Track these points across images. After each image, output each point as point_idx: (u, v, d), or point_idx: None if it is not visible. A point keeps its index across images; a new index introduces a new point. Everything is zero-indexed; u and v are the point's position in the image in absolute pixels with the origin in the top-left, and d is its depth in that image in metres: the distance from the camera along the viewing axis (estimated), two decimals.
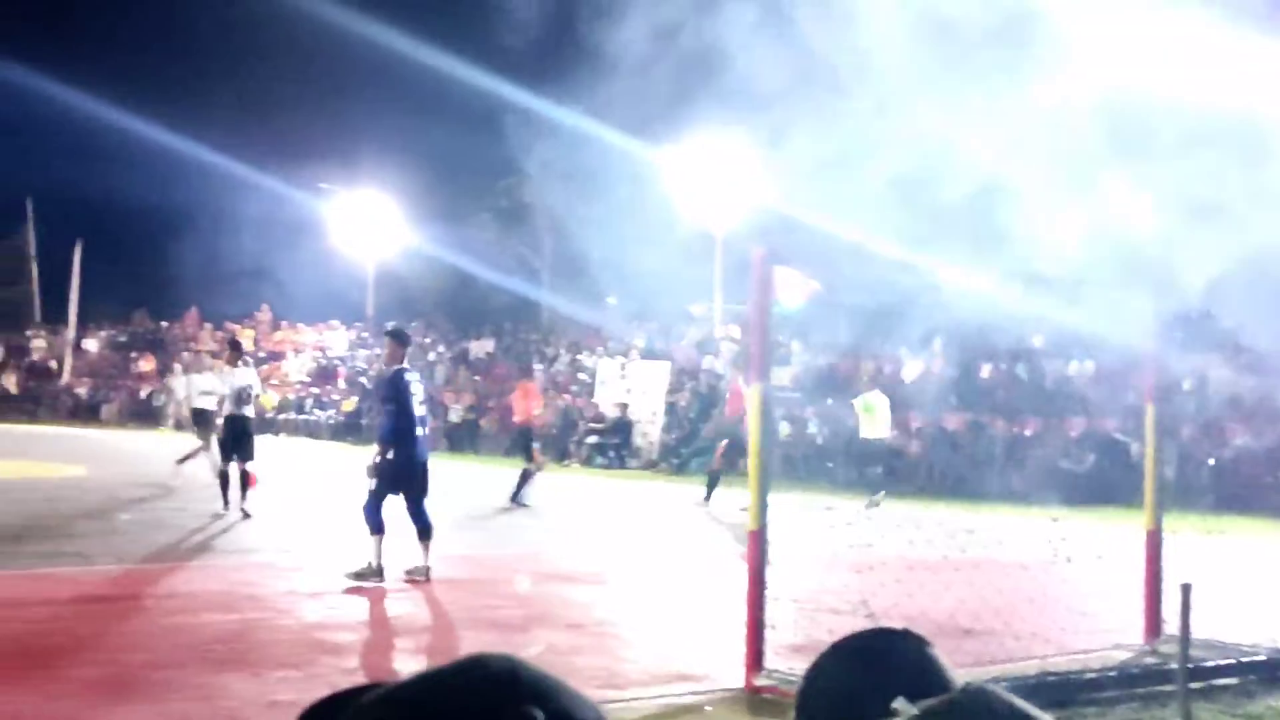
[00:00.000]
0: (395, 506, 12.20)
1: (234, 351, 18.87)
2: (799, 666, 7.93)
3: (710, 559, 14.65)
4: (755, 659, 7.99)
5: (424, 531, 12.25)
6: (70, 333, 45.87)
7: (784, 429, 24.78)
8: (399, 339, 13.75)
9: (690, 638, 9.89)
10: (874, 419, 21.82)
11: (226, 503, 17.10)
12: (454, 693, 0.97)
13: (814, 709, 1.48)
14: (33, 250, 48.06)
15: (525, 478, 20.24)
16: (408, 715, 0.97)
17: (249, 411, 17.81)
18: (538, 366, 36.98)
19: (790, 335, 28.39)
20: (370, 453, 12.77)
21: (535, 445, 21.17)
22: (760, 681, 7.89)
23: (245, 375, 18.03)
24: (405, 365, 13.14)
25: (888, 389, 23.82)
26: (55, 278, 46.47)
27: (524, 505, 19.85)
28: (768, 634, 8.07)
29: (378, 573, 11.72)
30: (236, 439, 17.47)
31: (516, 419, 22.11)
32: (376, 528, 11.95)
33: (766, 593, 8.11)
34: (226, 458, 17.54)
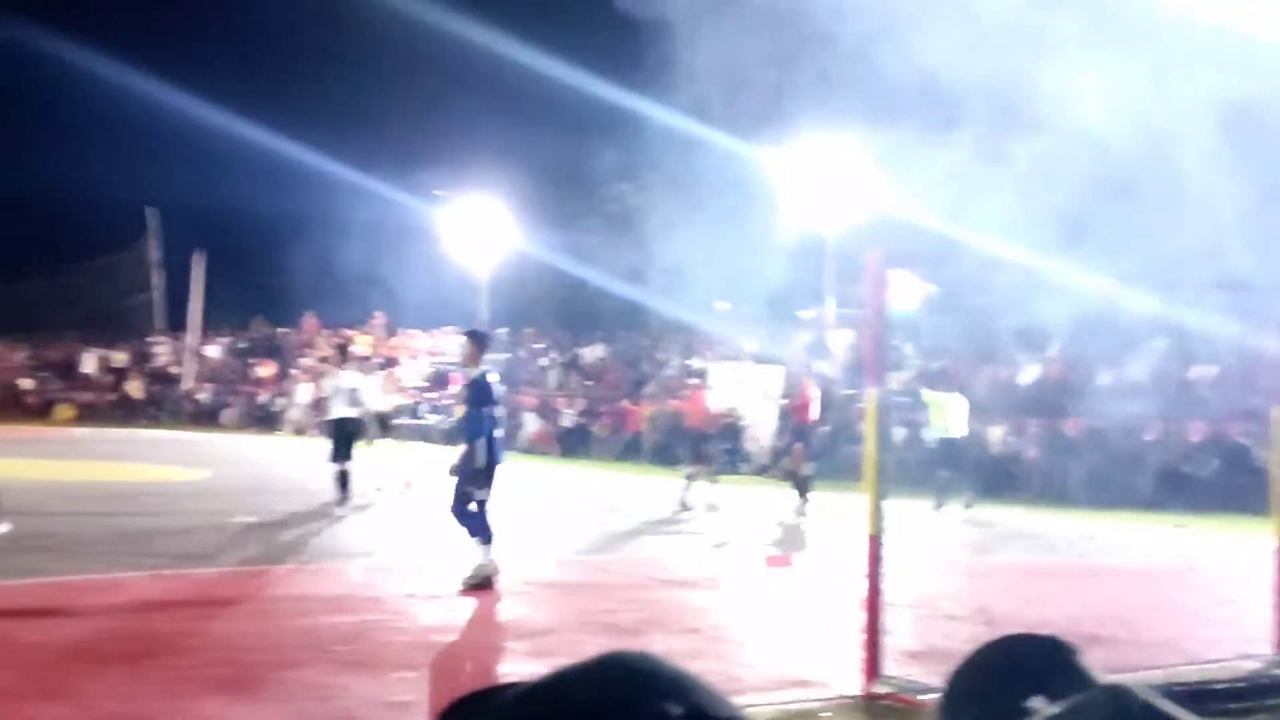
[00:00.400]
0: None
1: (341, 355, 19.31)
2: (917, 673, 7.89)
3: (823, 564, 14.58)
4: (873, 665, 7.92)
5: (481, 537, 12.17)
6: (192, 339, 46.78)
7: (897, 434, 24.56)
8: (480, 340, 13.60)
9: (806, 643, 9.84)
10: (943, 417, 21.80)
11: (342, 500, 17.52)
12: (592, 688, 0.97)
13: (958, 712, 1.47)
14: (156, 259, 49.12)
15: (692, 480, 20.23)
16: (547, 711, 0.97)
17: (357, 413, 18.16)
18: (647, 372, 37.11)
19: (904, 339, 28.11)
20: (455, 454, 12.66)
21: (706, 448, 21.02)
22: (878, 688, 7.83)
23: (353, 378, 18.39)
24: (487, 366, 13.08)
25: (1004, 393, 23.54)
26: (177, 286, 47.48)
27: (688, 508, 19.92)
28: (885, 640, 8.01)
29: (488, 580, 11.79)
30: (344, 439, 17.85)
31: (691, 424, 21.78)
32: (486, 534, 11.99)
33: (883, 599, 8.06)
34: (338, 457, 17.90)
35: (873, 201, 31.71)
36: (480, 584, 11.68)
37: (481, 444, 12.19)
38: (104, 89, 50.14)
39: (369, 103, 62.84)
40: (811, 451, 20.92)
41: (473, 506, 12.12)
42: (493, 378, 12.86)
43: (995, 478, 23.46)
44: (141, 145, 59.82)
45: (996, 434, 25.44)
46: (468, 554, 12.47)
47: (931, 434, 22.00)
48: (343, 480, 17.90)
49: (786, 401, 21.86)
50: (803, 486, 20.31)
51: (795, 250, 37.70)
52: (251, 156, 48.14)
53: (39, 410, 45.32)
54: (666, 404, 32.96)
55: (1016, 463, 24.47)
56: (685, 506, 20.01)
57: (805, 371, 22.95)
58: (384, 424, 23.31)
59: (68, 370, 47.78)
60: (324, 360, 26.15)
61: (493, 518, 12.13)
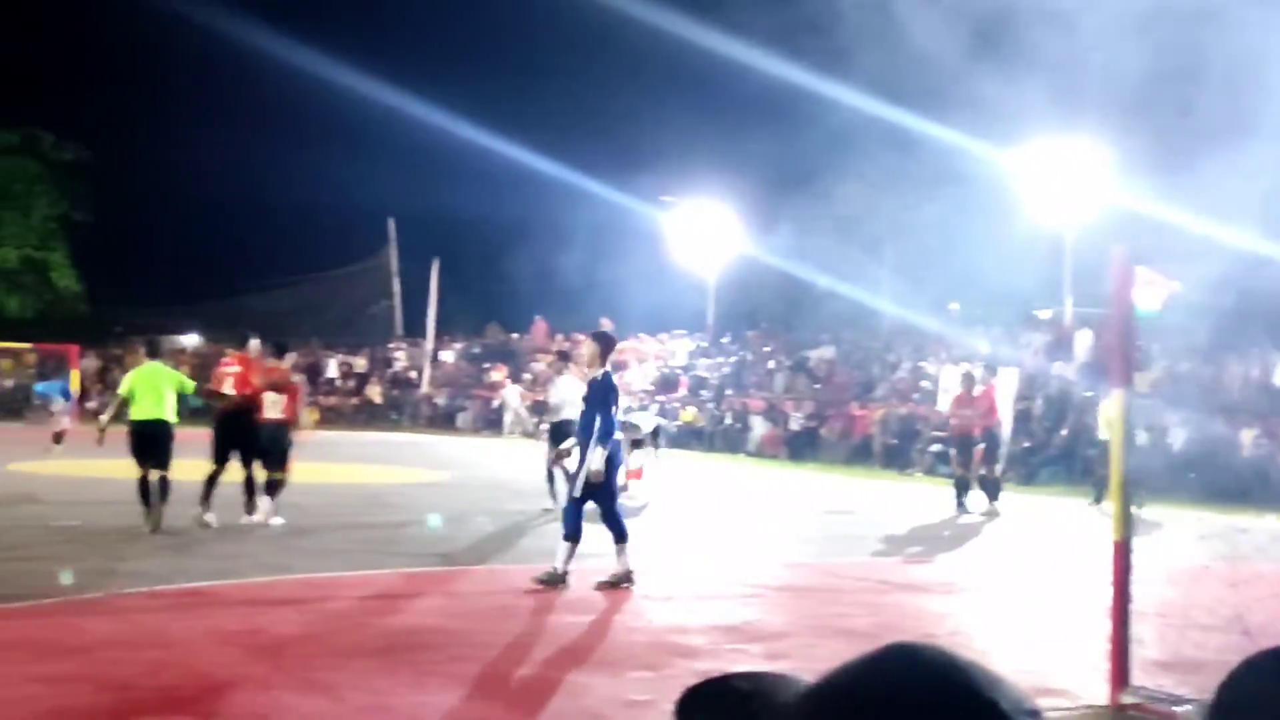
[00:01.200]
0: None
1: (561, 360, 19.63)
2: (1167, 684, 7.62)
3: (1063, 570, 14.21)
4: (1120, 675, 7.69)
5: (619, 536, 12.13)
6: (429, 345, 48.08)
7: (1141, 437, 23.79)
8: (606, 343, 13.29)
9: (1048, 651, 9.60)
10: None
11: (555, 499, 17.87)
12: (898, 684, 0.94)
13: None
14: (395, 267, 50.69)
15: (992, 487, 20.03)
16: (851, 709, 0.95)
17: (575, 415, 18.46)
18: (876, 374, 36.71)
19: (1148, 339, 27.19)
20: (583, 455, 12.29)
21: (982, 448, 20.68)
22: (1127, 699, 7.60)
23: (573, 384, 18.70)
24: (609, 368, 12.82)
25: (1258, 393, 22.61)
26: (415, 293, 48.90)
27: (997, 514, 19.77)
28: (1133, 649, 7.77)
29: (561, 579, 11.69)
30: (559, 442, 18.17)
31: (982, 425, 21.30)
32: (574, 534, 11.86)
33: (1130, 606, 7.81)
34: (557, 461, 18.23)
35: (1115, 197, 30.80)
36: (554, 584, 11.62)
37: (599, 446, 11.92)
38: (345, 102, 52.07)
39: (597, 110, 63.61)
40: (995, 454, 20.40)
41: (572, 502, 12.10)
42: (616, 379, 12.81)
43: (1246, 482, 22.54)
44: (381, 156, 61.93)
45: (1248, 437, 24.39)
46: (693, 556, 12.53)
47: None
48: (553, 481, 18.14)
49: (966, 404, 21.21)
50: (991, 490, 19.80)
51: (1032, 249, 36.86)
52: (486, 167, 49.45)
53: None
54: (898, 407, 32.57)
55: (1272, 466, 23.42)
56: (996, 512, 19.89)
57: (989, 374, 22.30)
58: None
59: (313, 376, 49.64)
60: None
61: (585, 521, 12.01)
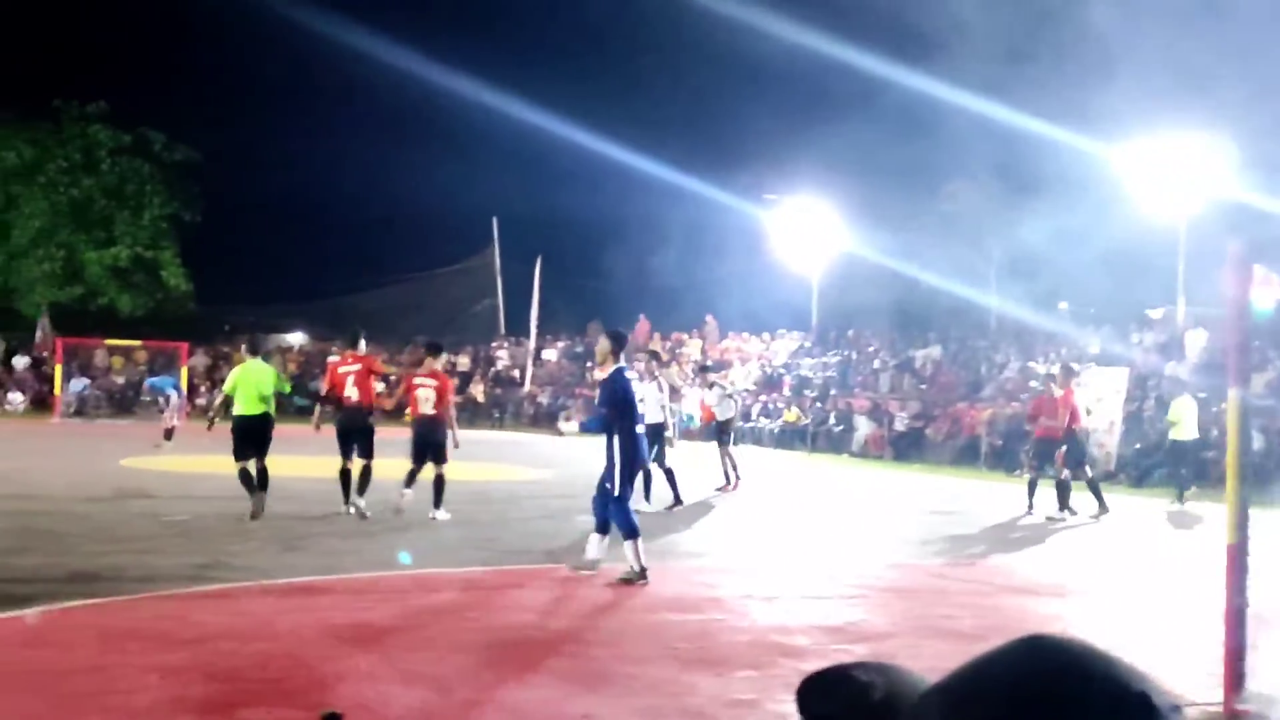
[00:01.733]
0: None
1: (653, 360, 19.77)
2: None
3: (1175, 572, 13.99)
4: (1235, 680, 7.56)
5: (607, 525, 12.31)
6: (531, 343, 48.39)
7: (1257, 440, 23.34)
8: (618, 341, 13.35)
9: (1160, 654, 9.45)
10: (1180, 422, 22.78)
11: (648, 497, 17.94)
12: (1042, 676, 0.93)
13: None
14: (498, 266, 51.07)
15: (1063, 490, 19.76)
16: (994, 702, 0.94)
17: (665, 416, 18.59)
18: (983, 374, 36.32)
19: (1264, 339, 26.64)
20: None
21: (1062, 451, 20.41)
22: (1241, 705, 7.46)
23: (660, 382, 18.87)
24: (622, 364, 12.92)
25: None
26: (518, 292, 49.19)
27: (1073, 512, 19.59)
28: (1249, 654, 7.62)
29: (641, 574, 11.88)
30: (652, 443, 18.26)
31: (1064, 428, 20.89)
32: (631, 531, 12.03)
33: (1245, 611, 7.66)
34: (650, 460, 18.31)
35: (1230, 192, 30.21)
36: (633, 581, 11.83)
37: (617, 443, 12.22)
38: (449, 104, 52.65)
39: (699, 109, 63.70)
40: (1077, 457, 20.05)
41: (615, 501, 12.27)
42: (630, 375, 12.95)
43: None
44: (484, 157, 62.47)
45: None
46: (797, 557, 12.48)
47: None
48: (647, 481, 18.24)
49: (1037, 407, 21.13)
50: (1062, 492, 19.46)
51: (1144, 246, 36.30)
52: (587, 168, 49.69)
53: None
54: (1006, 407, 32.19)
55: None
56: (1072, 511, 19.65)
57: (1067, 376, 21.94)
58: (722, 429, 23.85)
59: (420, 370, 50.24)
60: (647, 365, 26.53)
61: (635, 514, 12.29)
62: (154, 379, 37.48)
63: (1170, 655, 9.37)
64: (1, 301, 48.58)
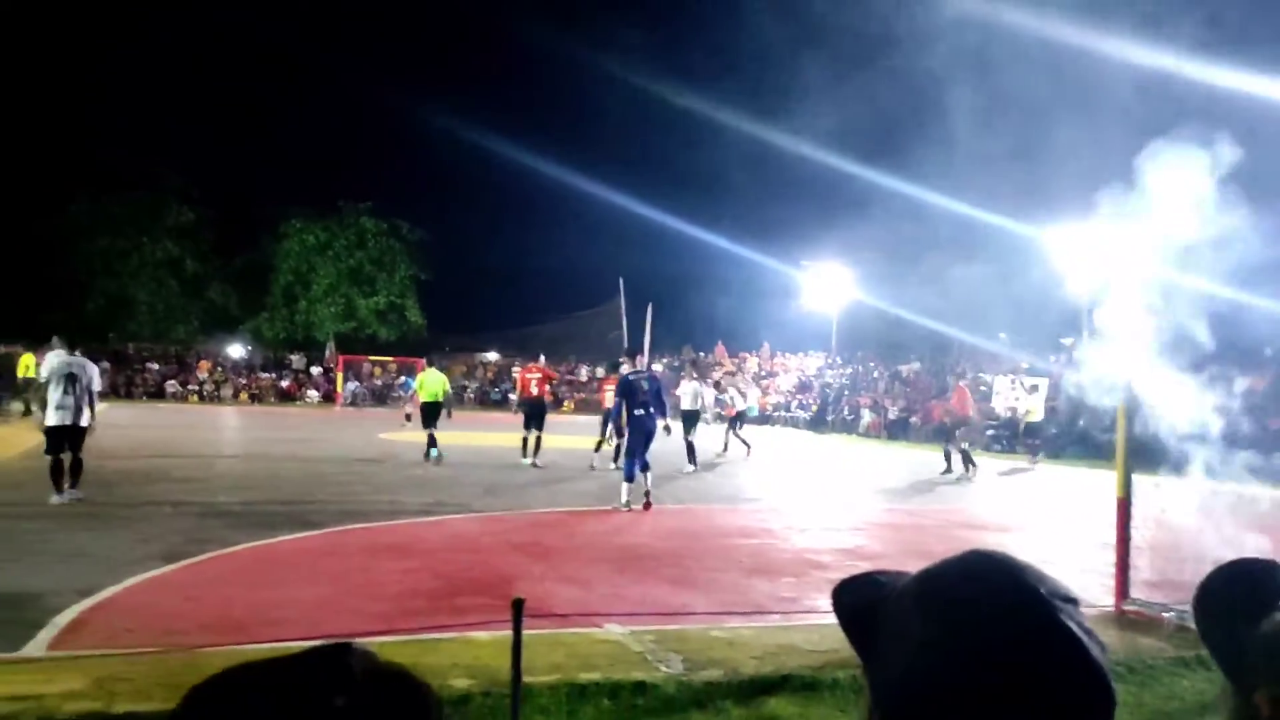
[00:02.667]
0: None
1: (693, 368, 19.78)
2: (1158, 597, 7.23)
3: (1080, 518, 13.62)
4: (1122, 589, 7.36)
5: (645, 467, 12.55)
6: (645, 360, 48.33)
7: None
8: (630, 355, 14.38)
9: (1069, 571, 9.21)
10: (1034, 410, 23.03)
11: (693, 463, 18.13)
12: (971, 571, 0.91)
13: (1209, 608, 1.35)
14: (622, 309, 51.13)
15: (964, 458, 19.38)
16: (938, 586, 0.91)
17: (699, 407, 18.63)
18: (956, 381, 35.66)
19: None
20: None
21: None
22: (1127, 606, 7.26)
23: (697, 384, 18.92)
24: (633, 370, 13.34)
25: None
26: (635, 325, 49.30)
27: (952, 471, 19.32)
28: (1131, 574, 7.41)
29: (627, 506, 12.27)
30: (690, 422, 18.39)
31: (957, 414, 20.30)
32: (629, 478, 12.44)
33: (1130, 541, 7.45)
34: (687, 434, 18.48)
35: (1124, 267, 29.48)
36: (620, 509, 12.24)
37: (619, 421, 13.14)
38: (596, 201, 53.21)
39: (757, 206, 63.62)
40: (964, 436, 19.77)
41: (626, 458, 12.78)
42: (635, 378, 13.06)
43: None
44: (613, 234, 63.73)
45: None
46: (821, 502, 12.31)
47: None
48: (690, 449, 18.34)
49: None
50: (965, 457, 19.11)
51: (1060, 294, 35.71)
52: (678, 240, 50.19)
53: (553, 404, 47.99)
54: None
55: None
56: (951, 469, 19.38)
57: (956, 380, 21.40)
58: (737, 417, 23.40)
59: (571, 380, 50.52)
60: (726, 374, 26.64)
61: (636, 467, 12.56)
62: (404, 379, 38.21)
63: (1075, 572, 9.13)
64: (304, 332, 49.64)
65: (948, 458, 19.73)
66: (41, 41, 61.29)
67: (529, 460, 17.26)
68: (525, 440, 17.58)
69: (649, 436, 12.73)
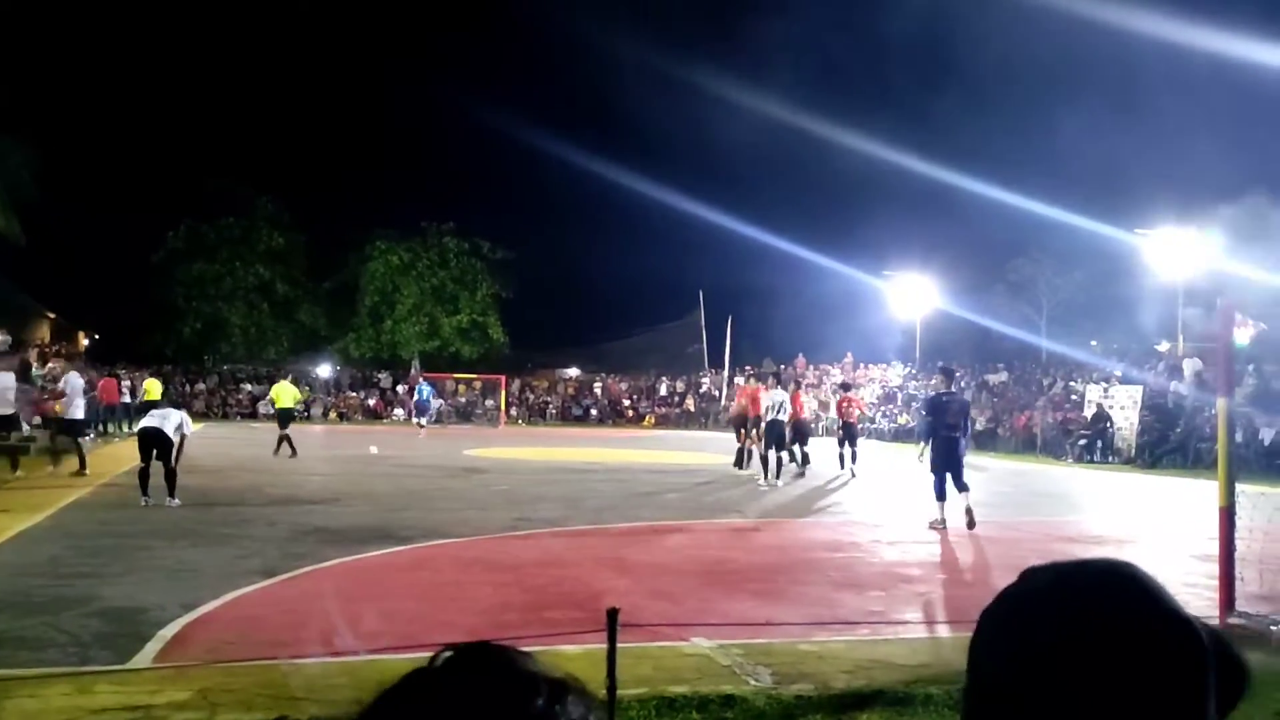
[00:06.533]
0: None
1: (774, 379, 19.54)
2: (1265, 610, 6.95)
3: (1180, 530, 13.15)
4: (1227, 602, 7.09)
5: (962, 488, 12.19)
6: (725, 373, 48.13)
7: (1239, 434, 21.78)
8: (945, 374, 13.61)
9: (1173, 586, 8.91)
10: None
11: (765, 476, 17.77)
12: (1102, 583, 0.87)
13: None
14: (702, 322, 51.00)
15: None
16: (1061, 595, 0.86)
17: (782, 416, 18.33)
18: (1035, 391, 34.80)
19: (1242, 364, 24.90)
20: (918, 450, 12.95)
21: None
22: (1232, 620, 6.99)
23: (778, 395, 18.66)
24: (947, 391, 12.92)
25: None
26: (716, 338, 49.26)
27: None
28: (1237, 586, 7.14)
29: (942, 524, 12.06)
30: (773, 435, 18.11)
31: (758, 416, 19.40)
32: (939, 496, 12.23)
33: (1235, 553, 7.18)
34: (767, 448, 17.99)
35: (1214, 263, 28.64)
36: (935, 527, 12.12)
37: (927, 443, 12.82)
38: (676, 215, 53.58)
39: (842, 218, 63.20)
40: (775, 434, 18.55)
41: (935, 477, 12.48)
42: (947, 397, 12.67)
43: None
44: (695, 249, 64.17)
45: None
46: (911, 514, 12.20)
47: None
48: (764, 462, 18.03)
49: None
50: (782, 459, 18.66)
51: (1153, 300, 34.77)
52: (762, 253, 50.27)
53: (634, 419, 48.16)
54: (1050, 414, 30.74)
55: None
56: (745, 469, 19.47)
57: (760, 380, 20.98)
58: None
59: (650, 393, 50.54)
60: (814, 386, 26.39)
61: (947, 487, 12.36)
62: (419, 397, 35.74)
63: (1177, 587, 8.84)
64: (390, 351, 50.63)
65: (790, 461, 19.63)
66: (141, 75, 63.84)
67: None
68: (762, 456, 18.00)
69: (958, 459, 12.39)
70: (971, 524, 11.96)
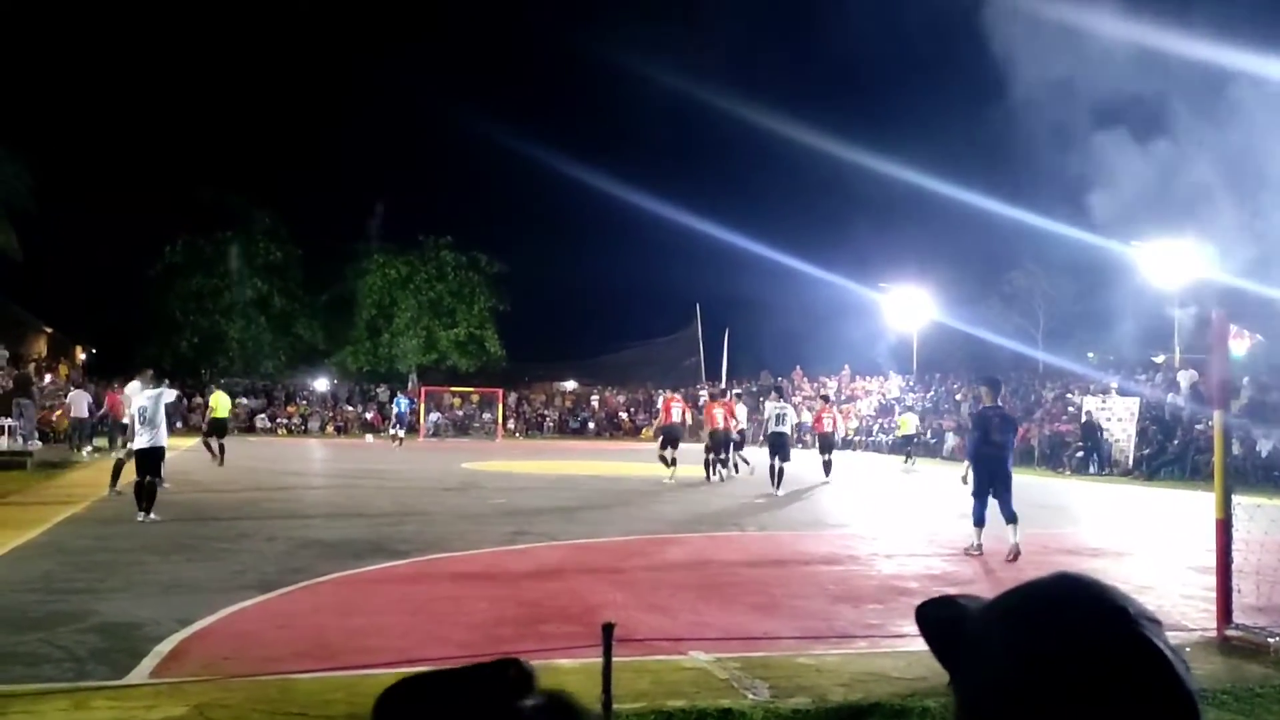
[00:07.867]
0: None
1: (776, 392, 19.67)
2: (1262, 622, 6.96)
3: (1176, 541, 13.15)
4: (1225, 614, 7.09)
5: (1010, 518, 11.08)
6: (722, 385, 48.17)
7: (1236, 446, 21.81)
8: (992, 386, 11.84)
9: (1169, 597, 8.91)
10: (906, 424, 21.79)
11: (778, 486, 18.04)
12: (1057, 592, 0.88)
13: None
14: (699, 335, 51.05)
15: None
16: (1023, 608, 0.89)
17: (784, 428, 18.44)
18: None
19: (1239, 375, 24.94)
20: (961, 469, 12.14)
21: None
22: (1230, 632, 7.00)
23: (780, 406, 18.79)
24: (992, 405, 11.58)
25: None
26: (713, 350, 49.28)
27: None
28: (1234, 597, 7.15)
29: (979, 549, 11.30)
30: (776, 446, 18.36)
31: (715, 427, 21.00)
32: (979, 520, 11.29)
33: (1232, 564, 7.18)
34: (772, 457, 18.14)
35: (1211, 276, 28.72)
36: (970, 552, 11.40)
37: (972, 460, 11.49)
38: (670, 227, 53.51)
39: (838, 231, 63.29)
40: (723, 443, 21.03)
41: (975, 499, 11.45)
42: (991, 413, 11.39)
43: None
44: (690, 261, 64.17)
45: None
46: (908, 527, 12.12)
47: None
48: (772, 472, 18.16)
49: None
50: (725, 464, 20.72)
51: (1148, 313, 34.83)
52: (757, 266, 50.04)
53: (631, 431, 48.14)
54: (1047, 426, 30.72)
55: None
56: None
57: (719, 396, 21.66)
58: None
59: (648, 406, 50.53)
60: (817, 397, 26.41)
61: (988, 506, 11.35)
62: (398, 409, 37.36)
63: (1174, 598, 8.85)
64: (387, 365, 50.61)
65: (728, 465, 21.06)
66: (137, 89, 63.95)
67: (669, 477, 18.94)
68: (662, 458, 19.61)
69: (1003, 481, 11.26)
70: (1014, 557, 10.95)
